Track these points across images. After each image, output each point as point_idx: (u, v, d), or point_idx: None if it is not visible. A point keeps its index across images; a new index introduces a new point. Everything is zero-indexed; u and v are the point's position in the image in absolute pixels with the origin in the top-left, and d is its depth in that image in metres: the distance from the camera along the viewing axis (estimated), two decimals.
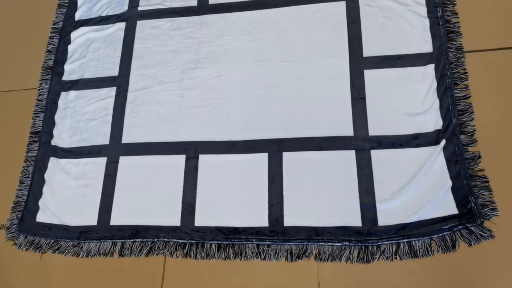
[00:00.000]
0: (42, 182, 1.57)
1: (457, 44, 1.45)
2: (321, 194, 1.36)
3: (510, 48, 1.42)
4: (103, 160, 1.55)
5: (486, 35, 1.45)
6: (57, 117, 1.66)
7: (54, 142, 1.63)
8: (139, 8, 1.77)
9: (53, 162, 1.60)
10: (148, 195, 1.47)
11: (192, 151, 1.49)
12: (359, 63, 1.49)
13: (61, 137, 1.63)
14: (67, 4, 1.88)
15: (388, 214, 1.29)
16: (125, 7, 1.79)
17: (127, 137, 1.57)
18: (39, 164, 1.61)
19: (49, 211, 1.52)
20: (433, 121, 1.36)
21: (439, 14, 1.50)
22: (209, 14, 1.70)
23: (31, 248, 1.49)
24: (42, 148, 1.63)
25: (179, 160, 1.49)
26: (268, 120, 1.48)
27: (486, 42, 1.44)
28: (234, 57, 1.60)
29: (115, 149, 1.56)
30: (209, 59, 1.62)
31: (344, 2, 1.59)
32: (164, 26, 1.72)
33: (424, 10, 1.52)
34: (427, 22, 1.49)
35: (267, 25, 1.62)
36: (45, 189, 1.56)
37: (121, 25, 1.76)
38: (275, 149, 1.44)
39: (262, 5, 1.66)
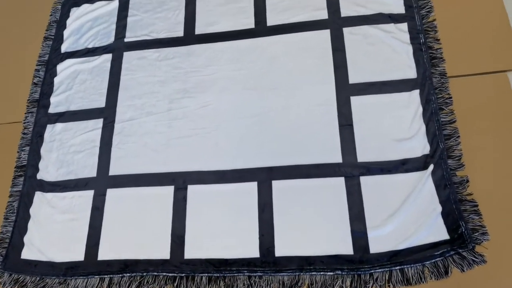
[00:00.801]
0: (27, 217, 1.54)
1: (440, 69, 1.47)
2: (312, 222, 1.35)
3: (492, 73, 1.44)
4: (90, 193, 1.53)
5: (468, 60, 1.48)
6: (43, 150, 1.64)
7: (40, 176, 1.60)
8: (126, 40, 1.78)
9: (39, 196, 1.57)
10: (137, 227, 1.44)
11: (180, 181, 1.48)
12: (346, 90, 1.50)
13: (47, 171, 1.60)
14: (53, 37, 1.88)
15: (380, 241, 1.28)
16: (111, 39, 1.80)
17: (115, 169, 1.55)
18: (25, 198, 1.58)
19: (35, 247, 1.48)
20: (420, 146, 1.37)
21: (421, 41, 1.53)
22: (196, 44, 1.71)
23: (16, 287, 1.45)
24: (28, 182, 1.60)
25: (168, 191, 1.48)
26: (256, 148, 1.48)
27: (468, 67, 1.47)
28: (222, 86, 1.60)
29: (102, 182, 1.53)
30: (197, 89, 1.62)
31: (329, 30, 1.61)
32: (151, 56, 1.72)
33: (407, 36, 1.55)
34: (410, 49, 1.52)
35: (255, 53, 1.63)
36: (30, 224, 1.53)
37: (108, 57, 1.76)
38: (264, 177, 1.43)
39: (249, 35, 1.68)
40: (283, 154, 1.45)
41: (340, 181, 1.38)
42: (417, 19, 1.57)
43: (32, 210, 1.55)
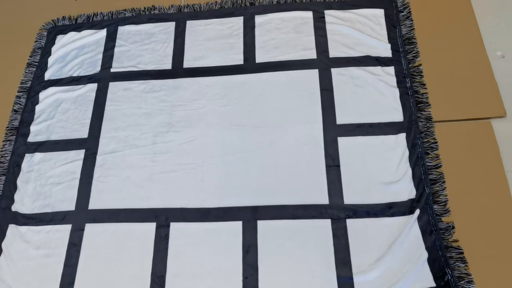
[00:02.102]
0: None
1: (426, 114, 1.49)
2: (297, 266, 1.32)
3: (477, 119, 1.47)
4: (67, 228, 1.47)
5: (454, 106, 1.51)
6: (19, 181, 1.58)
7: (14, 207, 1.53)
8: (112, 70, 1.75)
9: (12, 229, 1.49)
10: (115, 266, 1.38)
11: (163, 218, 1.44)
12: (333, 131, 1.51)
13: (23, 203, 1.54)
14: (37, 64, 1.84)
15: (366, 287, 1.26)
16: (97, 68, 1.77)
17: (95, 203, 1.50)
18: None
19: (5, 285, 1.40)
20: (406, 190, 1.38)
21: (408, 85, 1.55)
22: (183, 77, 1.70)
23: None
24: (1, 214, 1.53)
25: (150, 228, 1.43)
26: (242, 186, 1.46)
27: (454, 113, 1.50)
28: (208, 121, 1.59)
29: (81, 216, 1.48)
30: (183, 123, 1.60)
31: (317, 70, 1.63)
32: (137, 88, 1.70)
33: (393, 80, 1.57)
34: (397, 92, 1.54)
35: (242, 89, 1.63)
36: (1, 260, 1.45)
37: (93, 86, 1.73)
38: (249, 217, 1.40)
39: (237, 71, 1.68)
40: (269, 193, 1.43)
41: (326, 223, 1.37)
42: (404, 63, 1.60)
43: (4, 244, 1.47)
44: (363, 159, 1.45)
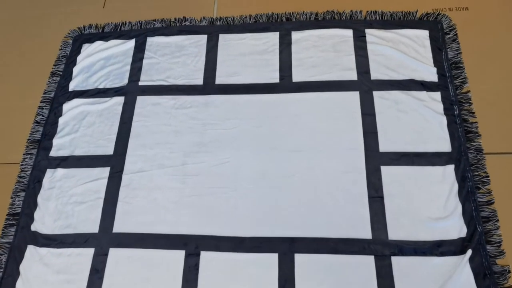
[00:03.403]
0: (16, 275, 1.37)
1: (476, 145, 1.40)
2: None
3: None
4: (90, 252, 1.37)
5: (505, 137, 1.42)
6: (40, 198, 1.49)
7: (34, 227, 1.44)
8: (140, 83, 1.67)
9: (31, 250, 1.40)
10: None
11: (193, 246, 1.35)
12: (376, 159, 1.42)
13: (43, 222, 1.45)
14: (61, 73, 1.76)
15: None
16: (124, 81, 1.69)
17: (120, 226, 1.41)
18: (15, 252, 1.41)
19: None
20: (456, 228, 1.28)
21: (456, 112, 1.46)
22: (215, 94, 1.61)
23: None
24: (20, 234, 1.44)
25: (178, 256, 1.34)
26: (278, 215, 1.37)
27: (506, 145, 1.40)
28: (241, 142, 1.50)
29: (105, 239, 1.39)
30: (215, 143, 1.51)
31: (358, 92, 1.54)
32: (167, 103, 1.62)
33: (440, 107, 1.48)
34: (444, 120, 1.45)
35: (278, 110, 1.54)
36: (19, 284, 1.35)
37: (120, 100, 1.65)
38: (286, 249, 1.31)
39: (271, 89, 1.59)
40: (306, 224, 1.34)
41: (369, 260, 1.27)
42: (451, 89, 1.51)
43: (22, 267, 1.38)
44: (408, 191, 1.36)
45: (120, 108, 1.63)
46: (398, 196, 1.35)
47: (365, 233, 1.31)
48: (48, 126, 1.64)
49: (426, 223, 1.30)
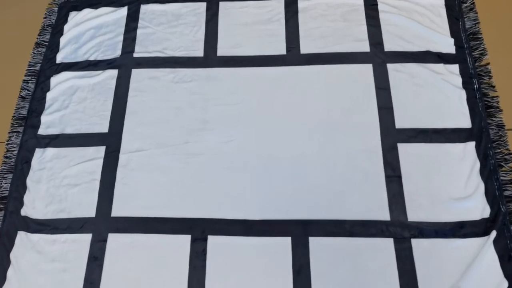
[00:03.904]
0: (6, 263, 1.26)
1: (497, 121, 1.33)
2: None
3: None
4: (87, 238, 1.27)
5: None
6: (29, 180, 1.36)
7: (24, 211, 1.32)
8: (135, 55, 1.54)
9: (22, 237, 1.29)
10: (145, 285, 1.20)
11: (199, 231, 1.25)
12: (392, 136, 1.34)
13: (34, 206, 1.33)
14: (47, 44, 1.61)
15: None
16: (117, 52, 1.55)
17: (118, 210, 1.30)
18: (4, 239, 1.29)
19: None
20: (479, 208, 1.22)
21: (475, 86, 1.38)
22: (217, 67, 1.49)
23: None
24: (9, 219, 1.32)
25: (183, 242, 1.25)
26: (290, 197, 1.28)
27: None
28: (248, 119, 1.40)
29: (103, 224, 1.28)
30: (218, 120, 1.41)
31: (371, 65, 1.44)
32: (165, 77, 1.49)
33: (458, 80, 1.40)
34: (463, 94, 1.37)
35: (286, 84, 1.44)
36: (10, 273, 1.24)
37: (113, 73, 1.52)
38: (300, 233, 1.23)
39: (278, 62, 1.49)
40: (320, 206, 1.26)
41: (388, 243, 1.20)
42: (469, 62, 1.43)
43: (13, 255, 1.27)
44: (427, 169, 1.29)
45: (113, 82, 1.50)
46: (417, 175, 1.28)
47: (383, 214, 1.24)
48: (35, 101, 1.50)
49: (447, 204, 1.23)
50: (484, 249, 1.16)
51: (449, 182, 1.26)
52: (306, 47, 1.50)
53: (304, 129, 1.37)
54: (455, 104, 1.37)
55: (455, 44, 1.46)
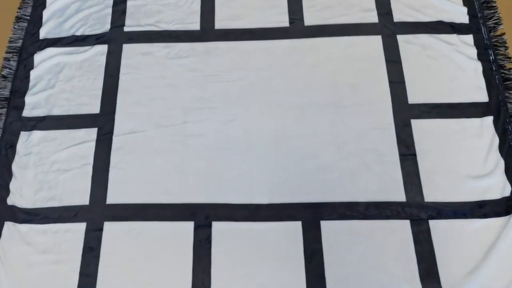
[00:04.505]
0: None
1: None
2: (373, 277, 1.09)
3: None
4: (81, 227, 1.17)
5: None
6: (15, 166, 1.26)
7: (11, 200, 1.22)
8: (126, 29, 1.42)
9: (9, 228, 1.19)
10: (146, 276, 1.11)
11: (202, 217, 1.17)
12: (405, 111, 1.26)
13: (22, 194, 1.22)
14: (28, 18, 1.48)
15: None
16: (106, 26, 1.44)
17: (114, 196, 1.20)
18: None
19: None
20: (499, 186, 1.16)
21: (491, 58, 1.31)
22: (216, 41, 1.39)
23: None
24: None
25: (186, 229, 1.16)
26: (299, 178, 1.20)
27: None
28: (251, 97, 1.31)
29: (98, 212, 1.19)
30: (219, 98, 1.31)
31: (380, 36, 1.35)
32: (159, 53, 1.39)
33: (473, 51, 1.33)
34: (479, 66, 1.30)
35: (290, 59, 1.35)
36: None
37: (102, 49, 1.40)
38: (310, 216, 1.15)
39: (281, 35, 1.39)
40: (331, 188, 1.18)
41: (405, 225, 1.14)
42: (484, 32, 1.35)
43: (0, 247, 1.16)
44: (443, 146, 1.22)
45: (103, 59, 1.39)
46: (432, 153, 1.21)
47: (398, 195, 1.17)
48: (18, 81, 1.38)
49: (465, 182, 1.17)
50: (505, 230, 1.10)
51: (467, 159, 1.20)
52: (310, 18, 1.41)
53: (311, 106, 1.28)
54: (471, 76, 1.30)
55: (468, 13, 1.39)
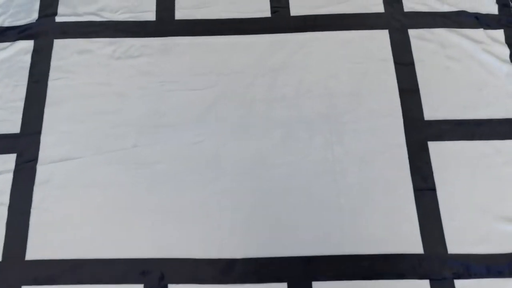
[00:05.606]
0: None
1: None
2: None
3: None
4: None
5: None
6: None
7: None
8: (58, 19, 1.13)
9: None
10: None
11: (155, 276, 0.89)
12: (420, 130, 1.01)
13: None
14: None
15: None
16: (33, 15, 1.14)
17: (36, 250, 0.91)
18: None
19: None
20: None
21: None
22: (176, 36, 1.10)
23: None
24: None
25: None
26: (285, 224, 0.93)
27: None
28: (220, 111, 1.03)
29: (12, 273, 0.89)
30: (180, 112, 1.03)
31: (387, 31, 1.09)
32: (102, 51, 1.10)
33: (505, 51, 1.10)
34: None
35: (273, 59, 1.09)
36: None
37: (27, 45, 1.10)
38: (299, 275, 0.89)
39: (261, 28, 1.14)
40: (327, 237, 0.92)
41: (422, 286, 0.87)
42: None
43: None
44: (470, 178, 0.97)
45: (28, 59, 1.10)
46: (456, 187, 0.96)
47: (413, 245, 0.91)
48: None
49: (500, 226, 0.92)
50: None
51: (501, 195, 0.94)
52: (297, 7, 1.15)
53: (299, 123, 1.02)
54: (502, 84, 1.05)
55: (498, 2, 1.13)
